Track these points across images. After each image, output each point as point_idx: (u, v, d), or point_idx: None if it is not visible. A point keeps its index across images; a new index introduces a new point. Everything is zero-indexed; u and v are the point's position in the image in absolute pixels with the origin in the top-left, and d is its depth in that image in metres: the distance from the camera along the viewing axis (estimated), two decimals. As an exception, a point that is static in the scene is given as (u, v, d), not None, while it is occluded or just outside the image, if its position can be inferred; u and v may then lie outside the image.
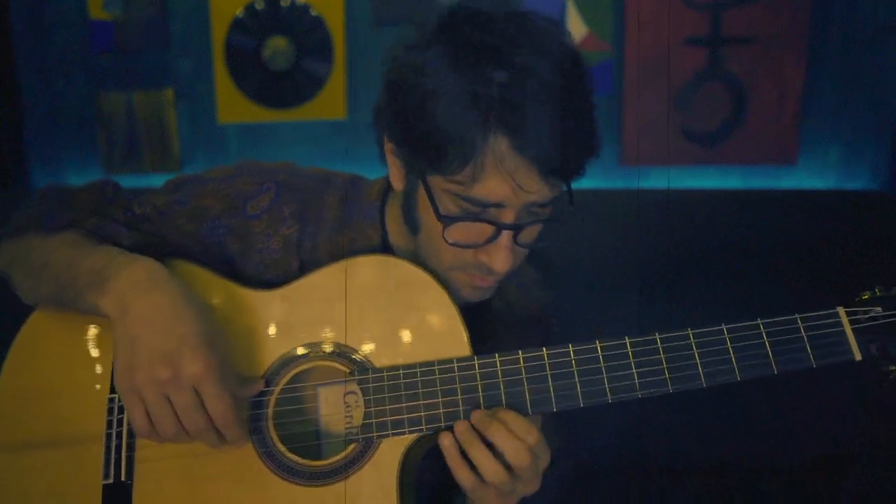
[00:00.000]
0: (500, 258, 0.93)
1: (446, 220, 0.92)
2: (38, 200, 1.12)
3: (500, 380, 0.95)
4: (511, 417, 0.92)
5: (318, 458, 0.99)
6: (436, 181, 0.92)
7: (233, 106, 3.55)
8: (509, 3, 0.92)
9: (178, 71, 3.58)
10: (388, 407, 0.97)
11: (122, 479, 1.00)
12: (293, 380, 1.02)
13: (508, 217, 0.91)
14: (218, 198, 1.08)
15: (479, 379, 0.96)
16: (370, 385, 0.98)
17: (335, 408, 1.02)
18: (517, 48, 0.86)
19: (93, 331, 1.07)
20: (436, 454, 0.97)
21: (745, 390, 1.03)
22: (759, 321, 0.94)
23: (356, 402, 1.00)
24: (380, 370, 0.98)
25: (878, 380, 0.94)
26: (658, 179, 3.45)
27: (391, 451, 0.96)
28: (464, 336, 0.98)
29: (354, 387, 0.99)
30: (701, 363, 0.93)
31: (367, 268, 1.02)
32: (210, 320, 0.96)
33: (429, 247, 1.00)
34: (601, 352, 0.94)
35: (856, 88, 3.31)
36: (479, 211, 0.91)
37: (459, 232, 0.93)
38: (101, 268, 0.97)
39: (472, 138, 0.86)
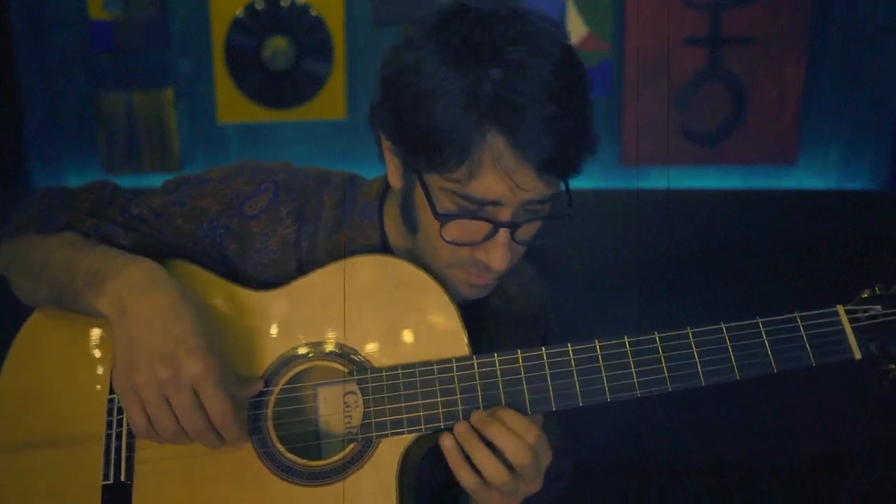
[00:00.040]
0: (498, 256, 0.93)
1: (443, 218, 0.92)
2: (36, 201, 1.12)
3: (499, 379, 0.95)
4: (510, 416, 0.92)
5: (318, 458, 0.99)
6: (433, 179, 0.92)
7: (233, 106, 3.55)
8: (506, 2, 0.92)
9: (178, 71, 3.58)
10: (387, 407, 0.97)
11: (122, 479, 1.00)
12: (292, 380, 1.02)
13: (505, 215, 0.91)
14: (216, 198, 1.08)
15: (477, 379, 0.96)
16: (369, 385, 0.98)
17: (334, 408, 1.02)
18: (513, 45, 0.86)
19: (93, 331, 1.07)
20: (436, 454, 0.97)
21: (744, 389, 1.03)
22: (758, 320, 0.94)
23: (355, 402, 1.01)
24: (379, 370, 0.98)
25: (877, 378, 0.93)
26: (658, 179, 3.45)
27: (390, 451, 0.96)
28: (463, 336, 0.98)
29: (354, 387, 0.99)
30: (700, 362, 0.93)
31: (365, 268, 1.02)
32: (209, 321, 0.96)
33: (426, 245, 1.00)
34: (600, 351, 0.94)
35: (856, 88, 3.31)
36: (476, 209, 0.91)
37: (457, 230, 0.93)
38: (100, 268, 0.97)
39: (469, 136, 0.86)
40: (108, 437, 1.02)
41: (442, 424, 0.95)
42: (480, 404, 0.95)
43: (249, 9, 3.46)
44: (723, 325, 0.94)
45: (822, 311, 0.94)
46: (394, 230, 1.08)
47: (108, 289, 0.95)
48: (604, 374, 0.93)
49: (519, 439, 0.90)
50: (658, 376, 0.93)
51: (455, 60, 0.86)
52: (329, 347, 1.01)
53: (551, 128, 0.86)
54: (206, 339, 0.93)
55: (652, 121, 3.45)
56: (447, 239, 0.93)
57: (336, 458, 0.97)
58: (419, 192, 0.95)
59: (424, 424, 0.96)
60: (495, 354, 0.96)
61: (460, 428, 0.93)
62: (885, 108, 3.32)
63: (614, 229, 3.19)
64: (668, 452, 2.63)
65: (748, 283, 3.20)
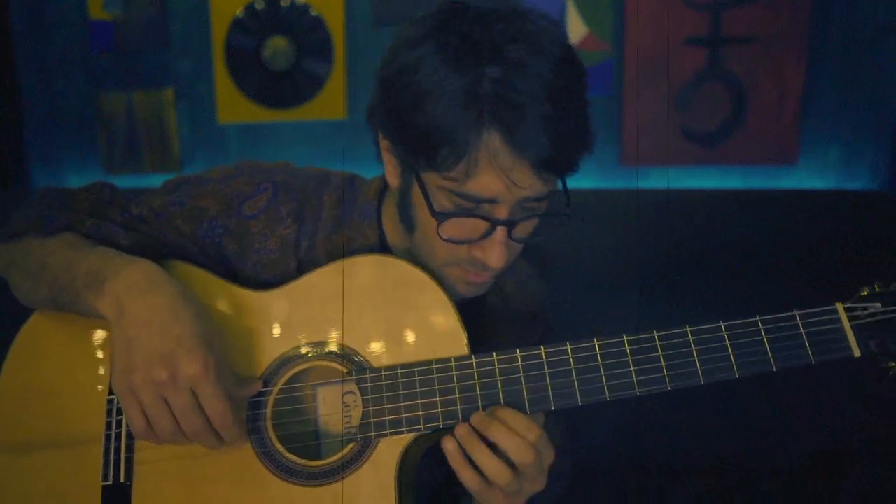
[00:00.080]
0: (495, 254, 0.93)
1: (440, 216, 0.92)
2: (35, 202, 1.12)
3: (498, 378, 0.95)
4: (510, 416, 0.92)
5: (318, 458, 0.99)
6: (430, 178, 0.92)
7: (233, 106, 3.55)
8: (505, 1, 0.92)
9: (178, 71, 3.58)
10: (385, 406, 0.97)
11: (122, 480, 1.00)
12: (291, 380, 1.01)
13: (502, 213, 0.91)
14: (215, 198, 1.08)
15: (476, 378, 0.96)
16: (368, 385, 0.98)
17: (334, 408, 1.02)
18: (510, 44, 0.86)
19: (93, 332, 1.07)
20: (436, 454, 0.97)
21: (744, 388, 1.03)
22: (757, 318, 0.93)
23: (354, 402, 1.00)
24: (378, 370, 0.98)
25: (877, 376, 0.93)
26: (658, 179, 3.45)
27: (389, 451, 0.96)
28: (462, 335, 0.98)
29: (352, 386, 0.99)
30: (699, 360, 0.93)
31: (364, 267, 1.02)
32: (207, 321, 0.96)
33: (424, 244, 1.00)
34: (599, 350, 0.94)
35: (856, 88, 3.31)
36: (472, 207, 0.91)
37: (454, 228, 0.93)
38: (99, 269, 0.97)
39: (466, 134, 0.86)
40: (108, 437, 1.02)
41: (441, 424, 0.95)
42: (479, 404, 0.95)
43: (249, 9, 3.46)
44: (722, 324, 0.93)
45: (821, 308, 0.93)
46: (392, 230, 1.08)
47: (107, 290, 0.95)
48: (603, 374, 0.93)
49: (521, 438, 0.90)
50: (657, 375, 0.93)
51: (454, 59, 0.86)
52: (328, 347, 1.01)
53: (548, 126, 0.86)
54: (205, 340, 0.92)
55: (652, 121, 3.46)
56: (444, 237, 0.93)
57: (335, 458, 0.97)
58: (416, 190, 0.95)
59: (423, 424, 0.96)
60: (494, 354, 0.96)
61: (461, 430, 0.93)
62: (885, 108, 3.33)
63: (614, 229, 3.19)
64: (668, 451, 2.63)
65: (748, 283, 3.20)
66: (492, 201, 0.90)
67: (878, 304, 0.92)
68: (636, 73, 3.35)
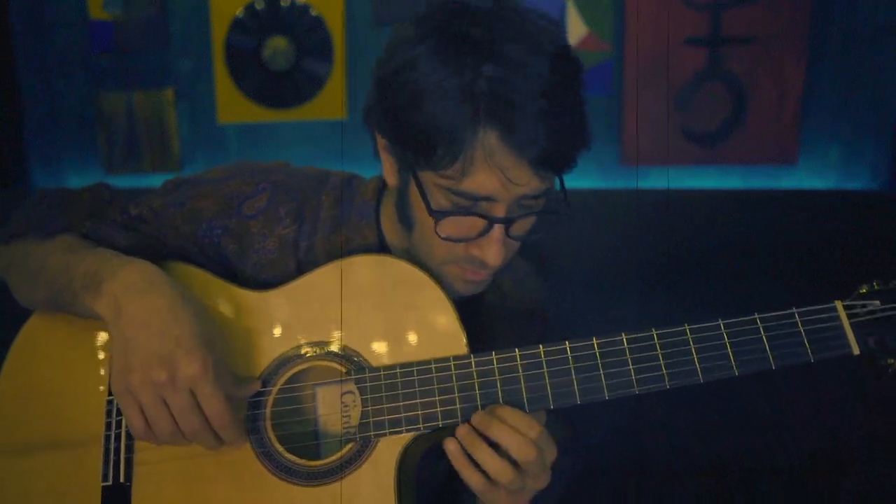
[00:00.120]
0: (493, 251, 0.93)
1: (438, 214, 0.92)
2: (34, 204, 1.12)
3: (497, 378, 0.95)
4: (510, 413, 0.92)
5: (317, 458, 0.99)
6: (427, 176, 0.92)
7: (233, 106, 3.55)
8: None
9: (178, 71, 3.58)
10: (385, 406, 0.97)
11: (121, 480, 1.00)
12: (291, 380, 1.02)
13: (500, 210, 0.91)
14: (214, 199, 1.08)
15: (475, 377, 0.96)
16: (367, 384, 0.98)
17: (333, 407, 1.02)
18: (504, 41, 0.86)
19: (93, 333, 1.07)
20: (436, 453, 0.97)
21: (743, 386, 1.03)
22: (756, 316, 0.93)
23: (354, 401, 1.00)
24: (377, 369, 0.98)
25: (876, 374, 0.93)
26: (658, 179, 3.45)
27: (388, 451, 0.96)
28: (461, 334, 0.98)
29: (352, 386, 0.99)
30: (698, 358, 0.93)
31: (363, 267, 1.02)
32: (206, 321, 0.96)
33: (422, 242, 1.00)
34: (598, 348, 0.94)
35: (856, 88, 3.31)
36: (470, 205, 0.91)
37: (451, 226, 0.93)
38: (97, 270, 0.97)
39: (462, 133, 0.86)
40: (108, 438, 1.02)
41: (440, 423, 0.95)
42: (478, 403, 0.95)
43: (249, 9, 3.46)
44: (720, 322, 0.93)
45: (820, 306, 0.93)
46: (390, 229, 1.08)
47: (105, 290, 0.95)
48: (602, 372, 0.93)
49: (522, 436, 0.90)
50: (656, 373, 0.93)
51: (450, 58, 0.86)
52: (327, 347, 1.01)
53: (545, 123, 0.86)
54: (203, 340, 0.93)
55: (652, 121, 3.45)
56: (442, 235, 0.93)
57: (334, 457, 0.97)
58: (414, 189, 0.95)
59: (423, 423, 0.96)
60: (493, 353, 0.96)
61: (462, 430, 0.93)
62: (885, 108, 3.33)
63: (614, 229, 3.19)
64: (667, 450, 2.63)
65: (748, 283, 3.20)
66: (489, 199, 0.90)
67: (878, 302, 0.92)
68: (636, 73, 3.35)
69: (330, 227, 1.08)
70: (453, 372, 0.96)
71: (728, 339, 0.93)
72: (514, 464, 0.90)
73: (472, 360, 0.96)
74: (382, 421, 0.96)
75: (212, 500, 0.98)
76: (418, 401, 0.96)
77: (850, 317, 0.92)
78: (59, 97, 3.67)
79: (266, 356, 1.02)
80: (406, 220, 1.01)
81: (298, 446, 1.00)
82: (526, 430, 0.90)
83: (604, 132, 3.34)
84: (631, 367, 0.93)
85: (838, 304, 0.93)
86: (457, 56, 0.86)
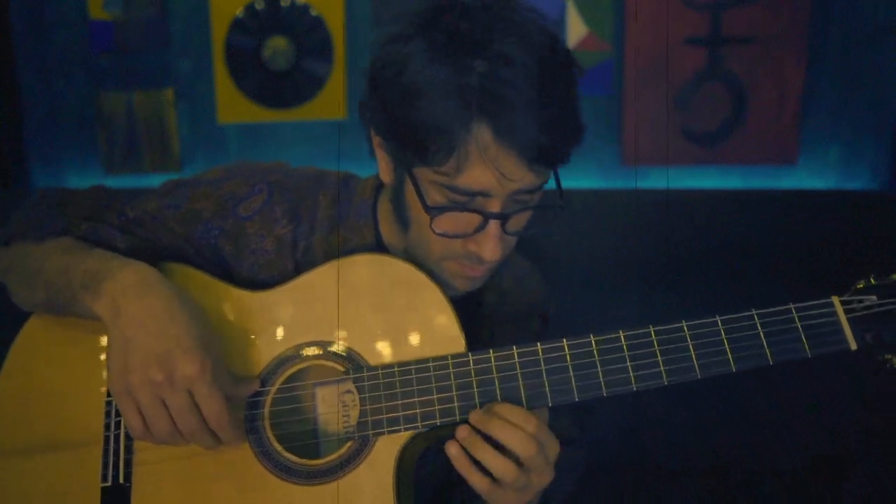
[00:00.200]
0: (489, 247, 0.93)
1: (433, 211, 0.92)
2: (33, 205, 1.12)
3: (495, 375, 0.95)
4: (508, 410, 0.92)
5: (317, 457, 0.99)
6: (422, 173, 0.92)
7: (233, 106, 3.55)
8: None
9: (178, 71, 3.59)
10: (383, 405, 0.97)
11: (121, 481, 1.00)
12: (289, 379, 1.01)
13: (495, 206, 0.91)
14: (210, 200, 1.08)
15: (473, 375, 0.95)
16: (365, 383, 0.98)
17: (332, 407, 1.02)
18: (497, 37, 0.86)
19: (92, 333, 1.07)
20: (436, 452, 0.97)
21: (741, 383, 1.03)
22: (753, 312, 0.93)
23: (353, 400, 1.00)
24: (375, 368, 0.98)
25: (873, 369, 0.93)
26: (658, 179, 3.45)
27: (387, 449, 0.96)
28: (459, 333, 0.98)
29: (350, 385, 0.99)
30: (696, 354, 0.92)
31: (361, 267, 1.02)
32: (203, 322, 0.96)
33: (419, 239, 1.00)
34: (595, 346, 0.94)
35: (856, 88, 3.32)
36: (465, 200, 0.91)
37: (447, 222, 0.93)
38: (95, 272, 0.97)
39: (455, 129, 0.86)
40: (107, 438, 1.02)
41: (438, 422, 0.95)
42: (476, 401, 0.95)
43: (249, 9, 3.47)
44: (718, 318, 0.93)
45: (817, 301, 0.93)
46: (388, 229, 1.08)
47: (103, 291, 0.95)
48: (599, 369, 0.93)
49: (521, 432, 0.90)
50: (654, 370, 0.92)
51: (442, 54, 0.86)
52: (325, 347, 1.01)
53: (537, 118, 0.85)
54: (201, 341, 0.92)
55: (652, 121, 3.46)
56: (438, 231, 0.93)
57: (332, 456, 0.97)
58: (409, 186, 0.95)
59: (421, 422, 0.96)
60: (491, 351, 0.96)
61: (462, 432, 0.93)
62: (885, 108, 3.33)
63: (614, 229, 3.19)
64: (666, 448, 2.63)
65: (748, 283, 3.20)
66: (484, 195, 0.90)
67: (874, 297, 0.92)
68: (636, 73, 3.36)
69: (327, 227, 1.08)
70: (451, 370, 0.96)
71: (725, 335, 0.93)
72: (517, 461, 0.90)
73: (470, 358, 0.96)
74: (381, 420, 0.96)
75: (211, 500, 0.98)
76: (416, 399, 0.96)
77: (846, 312, 0.92)
78: (59, 97, 3.67)
79: (264, 356, 1.02)
80: (402, 218, 1.01)
81: (297, 445, 1.00)
82: (524, 425, 0.90)
83: (604, 132, 3.35)
84: (629, 363, 0.93)
85: (835, 300, 0.93)
86: (448, 52, 0.86)
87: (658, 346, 0.93)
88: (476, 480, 0.91)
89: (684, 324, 0.93)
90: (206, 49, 3.52)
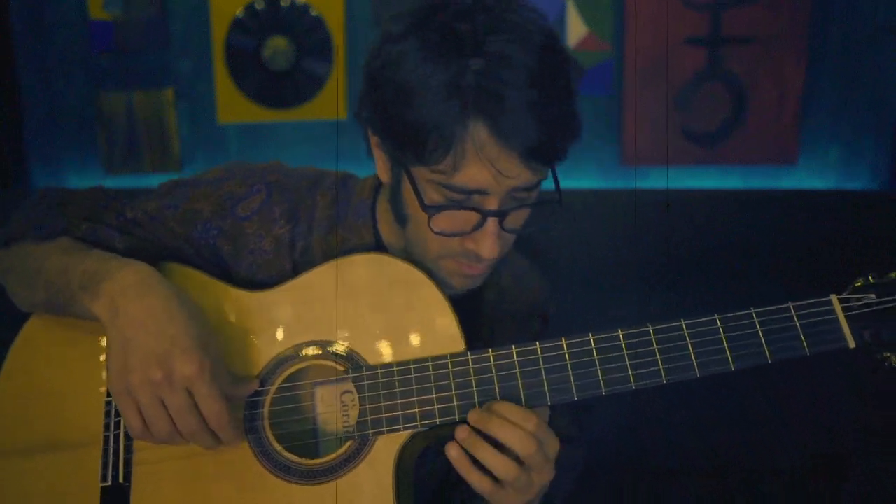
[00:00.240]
0: (487, 245, 0.93)
1: (431, 209, 0.92)
2: (32, 206, 1.12)
3: (494, 374, 0.95)
4: (506, 408, 0.92)
5: (316, 456, 0.99)
6: (419, 171, 0.92)
7: (233, 106, 3.55)
8: None
9: (178, 71, 3.59)
10: (382, 404, 0.97)
11: (121, 481, 1.00)
12: (289, 379, 1.02)
13: (492, 204, 0.91)
14: (208, 201, 1.08)
15: (472, 374, 0.95)
16: (364, 383, 0.98)
17: (331, 406, 1.03)
18: (490, 34, 0.86)
19: (92, 333, 1.07)
20: (436, 451, 0.97)
21: (740, 382, 1.03)
22: (751, 310, 0.93)
23: (352, 400, 1.01)
24: (374, 367, 0.98)
25: (872, 367, 0.93)
26: (658, 179, 3.45)
27: (386, 449, 0.96)
28: (457, 332, 0.98)
29: (350, 385, 0.99)
30: (694, 353, 0.92)
31: (360, 266, 1.02)
32: (202, 322, 0.96)
33: (417, 238, 1.00)
34: (594, 344, 0.94)
35: (856, 88, 3.32)
36: (462, 198, 0.91)
37: (445, 221, 0.93)
38: (94, 272, 0.97)
39: (452, 127, 0.86)
40: (107, 438, 1.02)
41: (437, 421, 0.95)
42: (475, 400, 0.95)
43: (249, 9, 3.47)
44: (716, 317, 0.93)
45: (815, 300, 0.93)
46: (387, 229, 1.08)
47: (102, 291, 0.95)
48: (598, 368, 0.93)
49: (520, 430, 0.90)
50: (652, 368, 0.92)
51: (437, 53, 0.86)
52: (325, 347, 1.01)
53: (533, 114, 0.85)
54: (200, 340, 0.93)
55: (652, 121, 3.46)
56: (435, 230, 0.93)
57: (332, 456, 0.97)
58: (407, 185, 0.95)
59: (420, 421, 0.96)
60: (489, 350, 0.96)
61: (462, 433, 0.93)
62: (885, 108, 3.33)
63: (614, 229, 3.19)
64: (664, 446, 2.64)
65: (748, 283, 3.20)
66: (481, 192, 0.90)
67: (873, 295, 0.92)
68: (636, 73, 3.35)
69: (326, 227, 1.08)
70: (450, 370, 0.96)
71: (724, 333, 0.93)
72: (517, 459, 0.90)
73: (469, 357, 0.96)
74: (380, 419, 0.96)
75: (211, 500, 0.98)
76: (415, 399, 0.96)
77: (845, 310, 0.92)
78: (59, 97, 3.67)
79: (264, 356, 1.02)
80: (400, 217, 1.01)
81: (297, 445, 1.00)
82: (523, 423, 0.90)
83: (603, 132, 3.35)
84: (627, 362, 0.93)
85: (833, 298, 0.93)
86: (443, 50, 0.86)
87: (657, 344, 0.93)
88: (477, 481, 0.91)
89: (683, 322, 0.93)
90: (206, 49, 3.52)
